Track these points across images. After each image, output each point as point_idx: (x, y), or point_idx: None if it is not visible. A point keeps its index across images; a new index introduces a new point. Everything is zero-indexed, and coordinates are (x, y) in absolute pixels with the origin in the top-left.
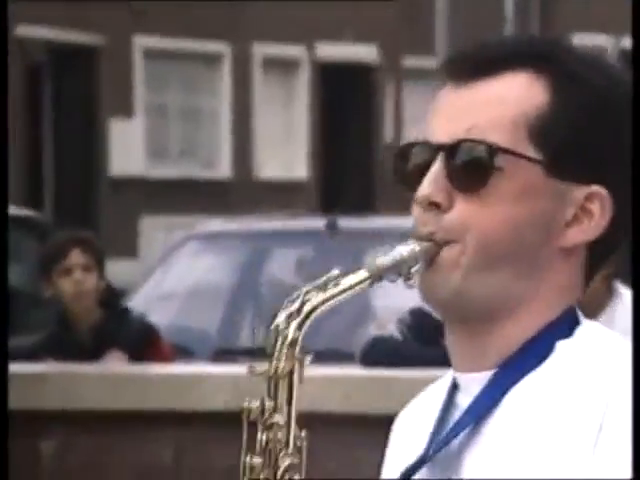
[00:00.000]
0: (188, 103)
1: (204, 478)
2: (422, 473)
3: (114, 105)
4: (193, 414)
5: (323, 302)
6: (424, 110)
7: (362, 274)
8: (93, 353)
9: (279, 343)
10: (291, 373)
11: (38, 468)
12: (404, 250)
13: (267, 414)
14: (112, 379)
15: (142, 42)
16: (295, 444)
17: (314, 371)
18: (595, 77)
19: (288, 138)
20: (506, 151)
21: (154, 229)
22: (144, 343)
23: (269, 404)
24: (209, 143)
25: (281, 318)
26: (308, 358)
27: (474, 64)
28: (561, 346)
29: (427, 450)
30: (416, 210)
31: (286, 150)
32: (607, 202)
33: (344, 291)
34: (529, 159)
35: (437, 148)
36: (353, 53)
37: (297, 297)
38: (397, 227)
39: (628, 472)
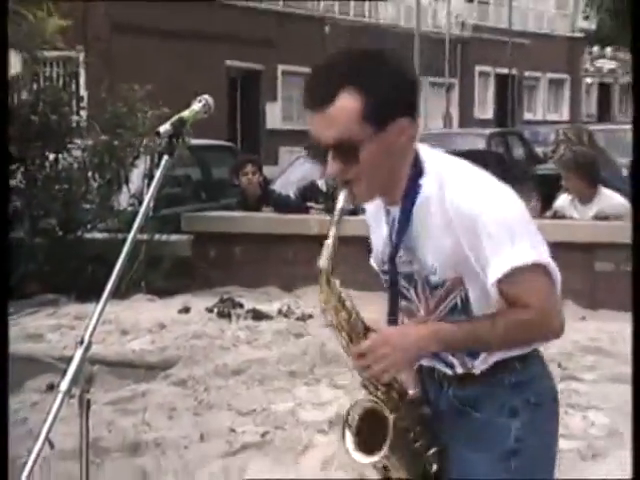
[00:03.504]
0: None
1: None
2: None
3: (267, 97)
4: (313, 236)
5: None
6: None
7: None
8: (257, 209)
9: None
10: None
11: (232, 261)
12: (341, 197)
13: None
14: (268, 220)
15: (282, 67)
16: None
17: None
18: (387, 75)
19: None
20: (358, 140)
21: (285, 153)
22: (280, 204)
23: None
24: None
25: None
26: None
27: (313, 97)
28: (422, 181)
29: (390, 236)
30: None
31: None
32: (405, 123)
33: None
34: (369, 134)
35: (326, 146)
36: None
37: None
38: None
39: (481, 237)
